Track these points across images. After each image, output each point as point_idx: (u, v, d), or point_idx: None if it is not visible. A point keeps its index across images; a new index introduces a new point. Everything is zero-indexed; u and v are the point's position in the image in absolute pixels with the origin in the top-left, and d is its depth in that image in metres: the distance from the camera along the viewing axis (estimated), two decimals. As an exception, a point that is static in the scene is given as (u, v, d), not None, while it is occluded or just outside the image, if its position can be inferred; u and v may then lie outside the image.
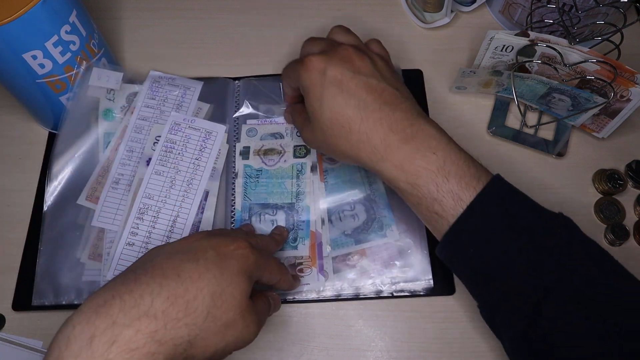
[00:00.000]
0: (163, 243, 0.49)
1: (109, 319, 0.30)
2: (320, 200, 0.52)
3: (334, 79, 0.41)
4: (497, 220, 0.38)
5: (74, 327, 0.30)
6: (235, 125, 0.55)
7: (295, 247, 0.50)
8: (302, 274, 0.49)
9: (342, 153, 0.43)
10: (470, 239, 0.39)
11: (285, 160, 0.52)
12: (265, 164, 0.52)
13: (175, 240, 0.40)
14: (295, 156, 0.53)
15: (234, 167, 0.53)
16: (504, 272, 0.38)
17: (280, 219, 0.51)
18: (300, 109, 0.49)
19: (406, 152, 0.40)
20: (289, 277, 0.45)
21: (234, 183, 0.52)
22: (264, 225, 0.50)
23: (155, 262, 0.35)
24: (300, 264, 0.49)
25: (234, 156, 0.54)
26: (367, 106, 0.41)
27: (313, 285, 0.49)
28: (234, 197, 0.52)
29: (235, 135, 0.55)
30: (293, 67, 0.45)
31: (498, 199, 0.39)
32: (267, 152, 0.53)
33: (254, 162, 0.53)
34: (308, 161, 0.52)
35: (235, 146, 0.54)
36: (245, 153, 0.53)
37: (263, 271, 0.40)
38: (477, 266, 0.39)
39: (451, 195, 0.39)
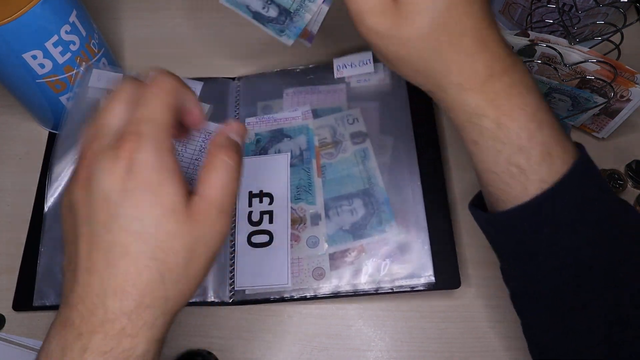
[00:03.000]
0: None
1: (75, 330, 0.29)
2: (318, 195, 0.51)
3: None
4: (583, 207, 0.34)
5: (50, 342, 0.30)
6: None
7: (280, 35, 0.44)
8: None
9: (437, 59, 0.33)
10: (553, 217, 0.33)
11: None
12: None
13: None
14: None
15: None
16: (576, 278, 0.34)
17: (272, 10, 0.45)
18: None
19: (504, 84, 0.33)
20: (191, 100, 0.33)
21: None
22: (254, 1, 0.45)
23: (81, 252, 0.30)
24: None
25: None
26: (481, 16, 0.33)
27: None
28: None
29: None
30: None
31: (589, 179, 0.34)
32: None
33: None
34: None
35: None
36: None
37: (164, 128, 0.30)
38: (540, 249, 0.34)
39: (541, 148, 0.33)
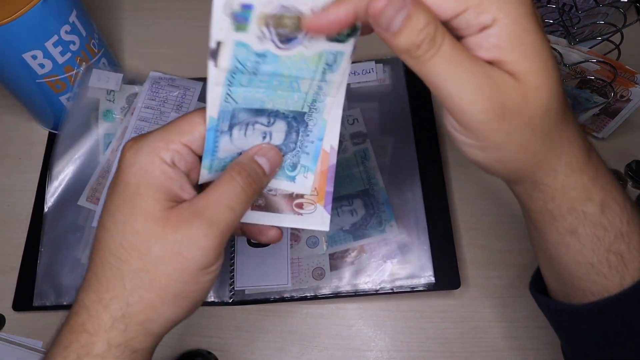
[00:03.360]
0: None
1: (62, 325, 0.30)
2: None
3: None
4: None
5: (53, 346, 0.30)
6: None
7: (293, 179, 0.33)
8: (301, 210, 0.33)
9: (555, 136, 0.28)
10: None
11: (309, 42, 0.28)
12: (275, 44, 0.28)
13: None
14: (332, 38, 0.28)
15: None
16: None
17: (278, 131, 0.31)
18: (463, 48, 0.25)
19: (598, 160, 0.30)
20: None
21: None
22: (250, 138, 0.31)
23: None
24: (301, 196, 0.34)
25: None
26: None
27: (315, 225, 0.34)
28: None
29: None
30: None
31: None
32: (282, 21, 0.27)
33: (255, 37, 0.28)
34: (348, 49, 0.29)
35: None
36: (242, 20, 0.27)
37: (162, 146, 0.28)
38: (630, 338, 0.32)
39: (639, 230, 0.30)
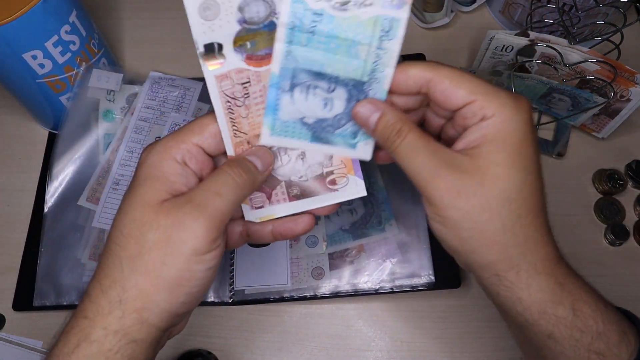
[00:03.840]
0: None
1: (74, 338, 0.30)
2: None
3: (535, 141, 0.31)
4: None
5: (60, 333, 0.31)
6: None
7: (354, 146, 0.34)
8: (335, 186, 0.35)
9: (518, 231, 0.30)
10: None
11: (365, 4, 0.30)
12: (331, 5, 0.30)
13: None
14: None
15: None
16: None
17: (339, 99, 0.33)
18: (428, 139, 0.31)
19: (568, 268, 0.32)
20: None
21: None
22: (311, 102, 0.32)
23: None
24: (331, 173, 0.35)
25: None
26: (545, 201, 0.32)
27: (352, 194, 0.36)
28: None
29: None
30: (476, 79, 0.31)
31: None
32: None
33: None
34: (403, 15, 0.31)
35: None
36: None
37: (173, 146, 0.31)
38: None
39: (616, 327, 0.31)
